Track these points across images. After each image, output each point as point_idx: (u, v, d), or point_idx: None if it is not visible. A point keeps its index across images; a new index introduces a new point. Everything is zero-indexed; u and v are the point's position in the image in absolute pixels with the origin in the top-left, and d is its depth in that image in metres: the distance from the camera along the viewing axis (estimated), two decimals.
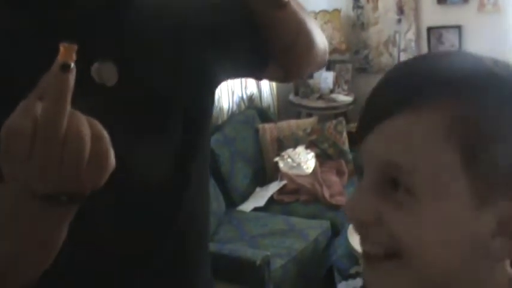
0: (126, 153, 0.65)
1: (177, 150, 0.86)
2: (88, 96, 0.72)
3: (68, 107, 0.54)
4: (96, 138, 0.56)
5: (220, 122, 3.91)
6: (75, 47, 0.55)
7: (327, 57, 1.09)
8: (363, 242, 0.59)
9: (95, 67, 0.76)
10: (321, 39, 1.02)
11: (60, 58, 0.54)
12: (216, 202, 3.40)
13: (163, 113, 0.84)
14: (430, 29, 4.82)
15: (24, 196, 0.58)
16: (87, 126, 0.55)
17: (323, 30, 4.90)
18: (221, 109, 3.99)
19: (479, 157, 0.52)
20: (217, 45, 0.90)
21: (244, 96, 4.34)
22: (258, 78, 1.08)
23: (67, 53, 0.54)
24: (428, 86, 0.54)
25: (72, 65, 0.54)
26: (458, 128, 0.52)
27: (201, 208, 0.97)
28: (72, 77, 0.54)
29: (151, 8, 0.85)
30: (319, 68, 1.18)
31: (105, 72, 0.77)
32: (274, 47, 0.95)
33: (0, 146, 0.55)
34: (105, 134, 0.57)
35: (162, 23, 0.85)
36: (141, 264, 0.87)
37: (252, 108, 4.33)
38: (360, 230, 0.59)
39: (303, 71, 1.10)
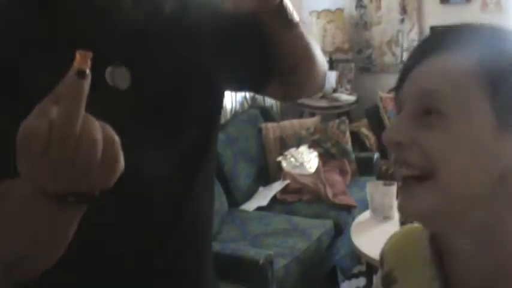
0: (136, 154, 0.68)
1: (185, 151, 0.87)
2: (101, 98, 0.73)
3: (82, 111, 0.56)
4: (107, 141, 0.58)
5: (223, 121, 3.91)
6: (91, 54, 0.57)
7: (325, 82, 1.11)
8: (399, 166, 0.68)
9: (108, 71, 0.78)
10: (322, 64, 1.04)
11: (76, 64, 0.56)
12: (219, 201, 3.40)
13: (174, 116, 0.86)
14: (432, 29, 4.81)
15: (35, 194, 0.60)
16: (99, 129, 0.58)
17: (326, 29, 4.93)
18: (224, 108, 3.99)
19: (501, 87, 0.63)
20: (226, 56, 0.92)
21: (247, 96, 4.34)
22: (259, 92, 1.11)
23: (83, 59, 0.56)
24: (466, 36, 0.68)
25: (88, 71, 0.56)
26: (486, 65, 0.63)
27: (205, 208, 0.98)
28: (87, 83, 0.56)
29: (165, 14, 0.86)
30: (315, 92, 1.19)
31: (118, 76, 0.79)
32: (278, 66, 0.96)
33: (17, 147, 0.57)
34: (116, 137, 0.59)
35: (176, 30, 0.87)
36: (145, 264, 0.87)
37: (255, 108, 4.33)
38: (397, 152, 0.68)
39: (302, 92, 1.12)
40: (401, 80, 0.71)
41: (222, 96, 0.98)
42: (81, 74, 0.56)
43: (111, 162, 0.59)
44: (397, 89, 0.72)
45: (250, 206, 3.60)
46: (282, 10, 0.89)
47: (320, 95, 4.90)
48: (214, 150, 1.00)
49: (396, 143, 0.67)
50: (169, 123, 0.85)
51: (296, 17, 0.92)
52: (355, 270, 3.63)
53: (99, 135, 0.57)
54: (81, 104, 0.56)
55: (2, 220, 0.67)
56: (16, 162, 0.58)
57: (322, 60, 1.03)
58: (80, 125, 0.56)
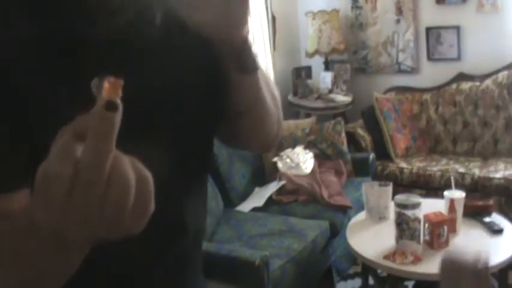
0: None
1: (177, 164, 0.85)
2: (86, 111, 0.72)
3: (113, 150, 0.50)
4: (140, 182, 0.52)
5: None
6: (122, 82, 0.50)
7: (279, 138, 1.04)
8: None
9: (94, 82, 0.73)
10: (276, 116, 0.98)
11: (105, 94, 0.49)
12: (215, 202, 3.40)
13: (163, 128, 0.82)
14: (428, 29, 4.82)
15: (51, 239, 0.55)
16: (131, 169, 0.51)
17: (321, 30, 4.93)
18: None
19: None
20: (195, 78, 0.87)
21: None
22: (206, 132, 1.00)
23: (113, 88, 0.50)
24: None
25: (119, 102, 0.49)
26: None
27: (200, 208, 0.97)
28: (118, 117, 0.50)
29: (154, 25, 0.83)
30: (266, 146, 1.09)
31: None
32: (229, 109, 0.90)
33: (34, 191, 0.50)
34: (150, 176, 0.53)
35: (164, 42, 0.83)
36: (140, 264, 0.87)
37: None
38: None
39: (250, 142, 1.04)
40: None
41: (213, 111, 0.91)
42: (111, 106, 0.49)
43: (143, 205, 0.52)
44: None
45: (246, 206, 3.59)
46: (244, 51, 0.82)
47: (315, 95, 4.90)
48: (209, 163, 0.98)
49: None
50: (159, 136, 0.81)
51: (257, 63, 0.84)
52: (351, 270, 3.63)
53: (131, 177, 0.51)
54: (111, 143, 0.49)
55: (4, 244, 0.63)
56: (31, 200, 0.52)
57: (277, 113, 0.97)
58: (109, 164, 0.49)
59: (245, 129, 0.95)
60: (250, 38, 0.83)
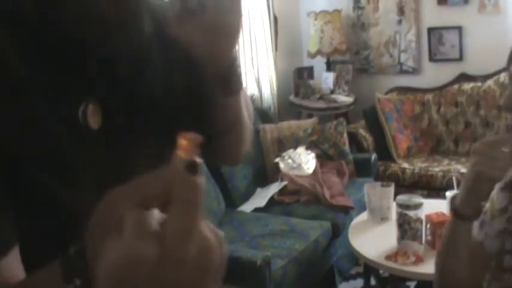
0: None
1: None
2: (75, 139, 0.70)
3: (200, 221, 0.43)
4: (221, 250, 0.46)
5: None
6: (200, 138, 0.44)
7: (247, 155, 1.05)
8: None
9: (81, 109, 0.71)
10: (251, 133, 0.98)
11: (182, 154, 0.43)
12: (217, 202, 3.40)
13: (152, 150, 0.79)
14: (430, 30, 4.82)
15: None
16: (214, 241, 0.45)
17: (323, 31, 4.93)
18: None
19: None
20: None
21: None
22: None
23: (190, 147, 0.43)
24: None
25: (200, 162, 0.43)
26: None
27: None
28: (202, 179, 0.43)
29: (140, 47, 0.80)
30: (238, 162, 1.10)
31: (90, 115, 0.71)
32: (211, 127, 0.88)
33: (109, 277, 0.43)
34: (225, 242, 0.47)
35: (149, 64, 0.82)
36: None
37: (253, 109, 4.32)
38: None
39: (225, 158, 1.05)
40: (511, 59, 0.89)
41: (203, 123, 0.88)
42: (193, 167, 0.42)
43: (222, 269, 0.46)
44: (508, 65, 0.92)
45: (248, 207, 3.60)
46: (230, 73, 0.80)
47: (317, 96, 4.91)
48: None
49: None
50: (148, 157, 0.78)
51: (241, 83, 0.84)
52: (353, 271, 3.63)
53: (215, 247, 0.44)
54: (199, 212, 0.43)
55: None
56: (102, 284, 0.43)
57: (249, 134, 0.97)
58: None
59: (223, 147, 0.94)
60: (238, 59, 0.82)
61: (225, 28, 0.73)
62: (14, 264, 0.63)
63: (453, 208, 1.25)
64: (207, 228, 0.44)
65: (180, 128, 0.81)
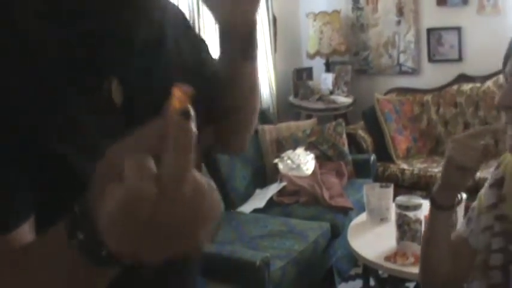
0: None
1: None
2: (99, 114, 0.72)
3: (192, 162, 0.47)
4: (210, 187, 0.50)
5: None
6: (192, 90, 0.48)
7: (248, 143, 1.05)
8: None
9: (105, 85, 0.74)
10: (255, 121, 1.00)
11: (176, 104, 0.47)
12: None
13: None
14: (429, 30, 4.83)
15: (74, 272, 0.53)
16: (205, 183, 0.49)
17: (322, 31, 4.93)
18: None
19: None
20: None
21: None
22: None
23: (184, 97, 0.47)
24: None
25: (192, 111, 0.47)
26: None
27: None
28: (193, 126, 0.47)
29: (159, 34, 0.84)
30: (243, 148, 1.08)
31: (114, 91, 0.74)
32: (226, 105, 0.91)
33: (108, 220, 0.47)
34: (216, 190, 0.51)
35: (167, 50, 0.85)
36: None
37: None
38: (509, 114, 0.91)
39: (233, 141, 1.04)
40: (507, 58, 0.96)
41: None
42: (186, 114, 0.46)
43: (216, 214, 0.50)
44: (504, 64, 0.97)
45: (247, 208, 3.60)
46: (250, 37, 0.85)
47: (316, 96, 4.91)
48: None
49: (508, 107, 0.92)
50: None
51: (258, 53, 0.88)
52: (352, 272, 3.63)
53: (205, 186, 0.48)
54: (191, 154, 0.46)
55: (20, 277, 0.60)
56: (105, 231, 0.48)
57: (257, 113, 0.99)
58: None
59: (236, 127, 0.97)
60: (257, 28, 0.86)
61: None
62: (27, 236, 0.64)
63: (430, 197, 1.26)
64: (199, 175, 0.48)
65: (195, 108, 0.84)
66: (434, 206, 1.27)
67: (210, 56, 0.97)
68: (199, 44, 0.98)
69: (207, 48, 0.99)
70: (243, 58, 0.87)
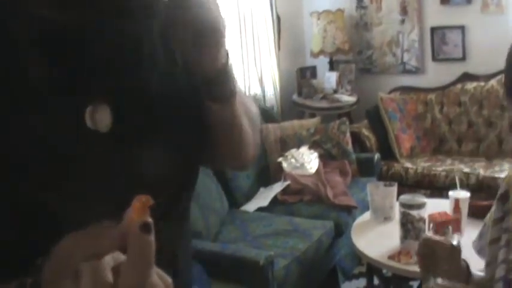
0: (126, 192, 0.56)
1: (173, 183, 0.84)
2: (83, 142, 0.69)
3: (152, 272, 0.47)
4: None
5: None
6: (151, 200, 0.47)
7: (256, 159, 1.03)
8: None
9: (89, 110, 0.70)
10: (253, 140, 0.96)
11: (135, 216, 0.47)
12: (220, 202, 3.41)
13: (161, 150, 0.80)
14: (433, 29, 4.82)
15: None
16: (163, 277, 0.50)
17: (326, 30, 4.93)
18: None
19: None
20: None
21: None
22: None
23: (143, 208, 0.47)
24: None
25: (151, 222, 0.47)
26: None
27: (178, 232, 0.96)
28: (153, 236, 0.47)
29: (145, 47, 0.79)
30: (243, 168, 1.08)
31: (99, 117, 0.71)
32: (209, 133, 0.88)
33: None
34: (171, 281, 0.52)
35: (154, 63, 0.81)
36: None
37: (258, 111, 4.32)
38: None
39: (226, 163, 1.07)
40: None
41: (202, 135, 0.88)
42: (146, 227, 0.46)
43: None
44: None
45: (250, 206, 3.60)
46: (217, 82, 0.79)
47: (320, 95, 4.91)
48: (197, 175, 0.95)
49: None
50: (158, 158, 0.79)
51: (233, 92, 0.82)
52: (356, 270, 3.63)
53: None
54: (151, 266, 0.47)
55: None
56: None
57: (253, 136, 0.95)
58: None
59: (225, 151, 0.93)
60: (230, 65, 0.80)
61: (206, 30, 0.73)
62: None
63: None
64: (157, 276, 0.48)
65: (182, 130, 0.80)
66: None
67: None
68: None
69: None
70: (211, 101, 0.82)
